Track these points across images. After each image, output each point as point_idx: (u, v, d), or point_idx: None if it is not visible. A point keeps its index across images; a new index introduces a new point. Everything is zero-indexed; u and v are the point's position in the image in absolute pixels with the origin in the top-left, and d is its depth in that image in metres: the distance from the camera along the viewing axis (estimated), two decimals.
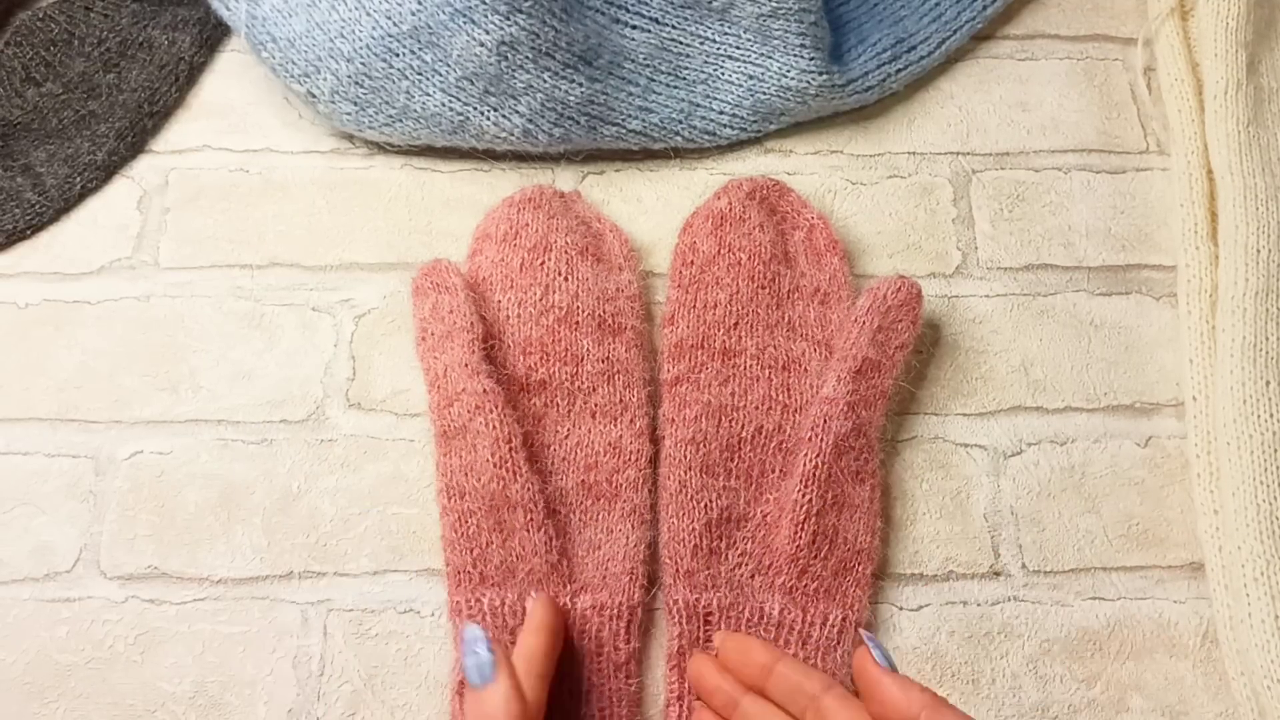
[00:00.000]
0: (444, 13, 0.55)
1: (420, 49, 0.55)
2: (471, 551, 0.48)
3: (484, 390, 0.48)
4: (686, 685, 0.46)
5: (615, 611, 0.47)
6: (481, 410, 0.48)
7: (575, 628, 0.47)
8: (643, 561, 0.48)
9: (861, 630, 0.44)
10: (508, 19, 0.54)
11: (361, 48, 0.56)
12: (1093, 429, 0.54)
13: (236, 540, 0.50)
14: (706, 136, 0.60)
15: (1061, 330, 0.56)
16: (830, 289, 0.54)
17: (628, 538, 0.48)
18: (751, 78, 0.59)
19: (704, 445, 0.50)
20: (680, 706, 0.46)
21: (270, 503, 0.51)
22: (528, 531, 0.47)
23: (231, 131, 0.61)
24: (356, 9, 0.56)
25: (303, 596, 0.49)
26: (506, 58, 0.55)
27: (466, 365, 0.49)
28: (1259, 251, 0.54)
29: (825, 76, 0.59)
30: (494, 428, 0.48)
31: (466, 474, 0.48)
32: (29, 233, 0.57)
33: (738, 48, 0.60)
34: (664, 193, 0.59)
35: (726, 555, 0.48)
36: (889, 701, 0.39)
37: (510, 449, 0.47)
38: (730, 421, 0.51)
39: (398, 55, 0.56)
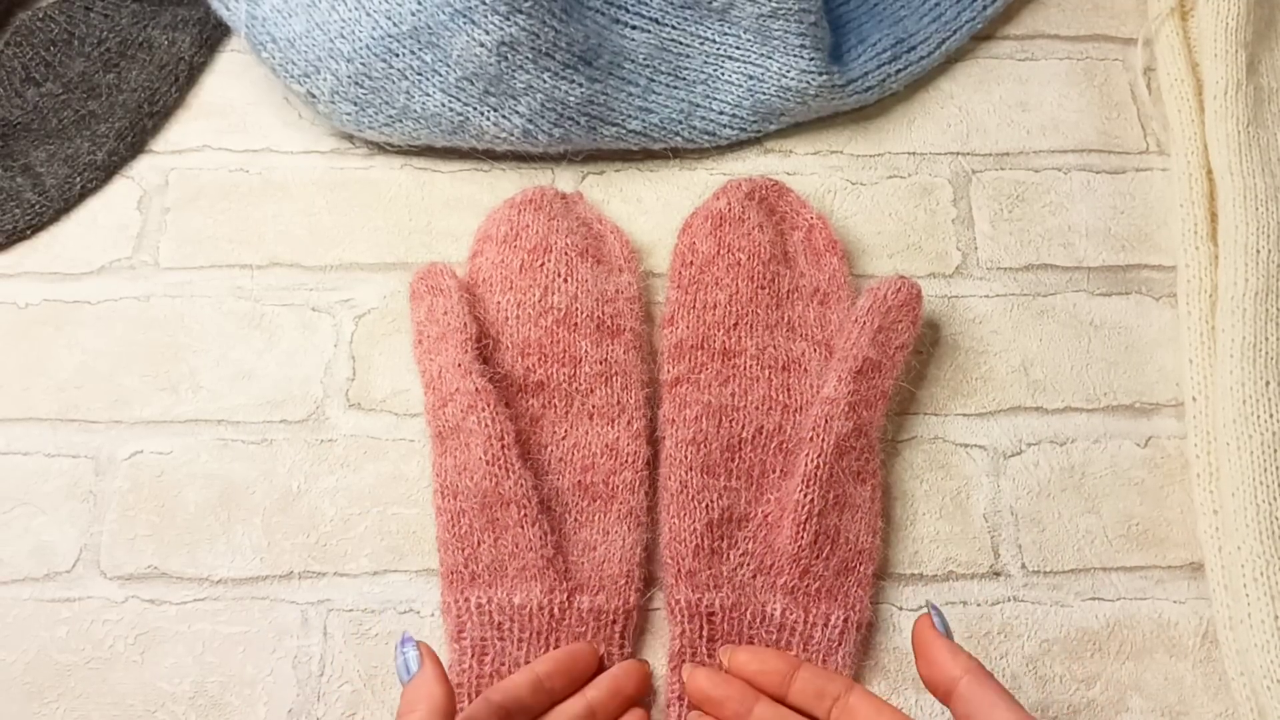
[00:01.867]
0: (444, 13, 0.55)
1: (420, 49, 0.55)
2: (463, 551, 0.48)
3: (476, 389, 0.48)
4: (685, 689, 0.46)
5: (612, 616, 0.47)
6: (474, 409, 0.48)
7: (571, 630, 0.47)
8: (639, 564, 0.48)
9: (930, 601, 0.45)
10: (508, 19, 0.54)
11: (361, 48, 0.56)
12: (1093, 429, 0.54)
13: (236, 540, 0.50)
14: (706, 137, 0.60)
15: (1061, 330, 0.56)
16: (830, 289, 0.54)
17: (624, 540, 0.48)
18: (751, 78, 0.59)
19: (705, 445, 0.50)
20: (680, 706, 0.46)
21: (270, 503, 0.51)
22: (521, 528, 0.47)
23: (231, 131, 0.61)
24: (356, 9, 0.56)
25: (303, 596, 0.49)
26: (506, 58, 0.55)
27: (460, 365, 0.49)
28: (1259, 252, 0.54)
29: (825, 77, 0.59)
30: (486, 425, 0.48)
31: (460, 473, 0.48)
32: (29, 233, 0.57)
33: (738, 48, 0.60)
34: (664, 193, 0.59)
35: (728, 555, 0.48)
36: (937, 661, 0.40)
37: (502, 446, 0.48)
38: (731, 422, 0.51)
39: (398, 55, 0.56)
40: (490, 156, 0.59)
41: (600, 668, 0.46)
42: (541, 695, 0.43)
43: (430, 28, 0.55)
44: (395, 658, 0.39)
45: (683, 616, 0.47)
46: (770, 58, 0.59)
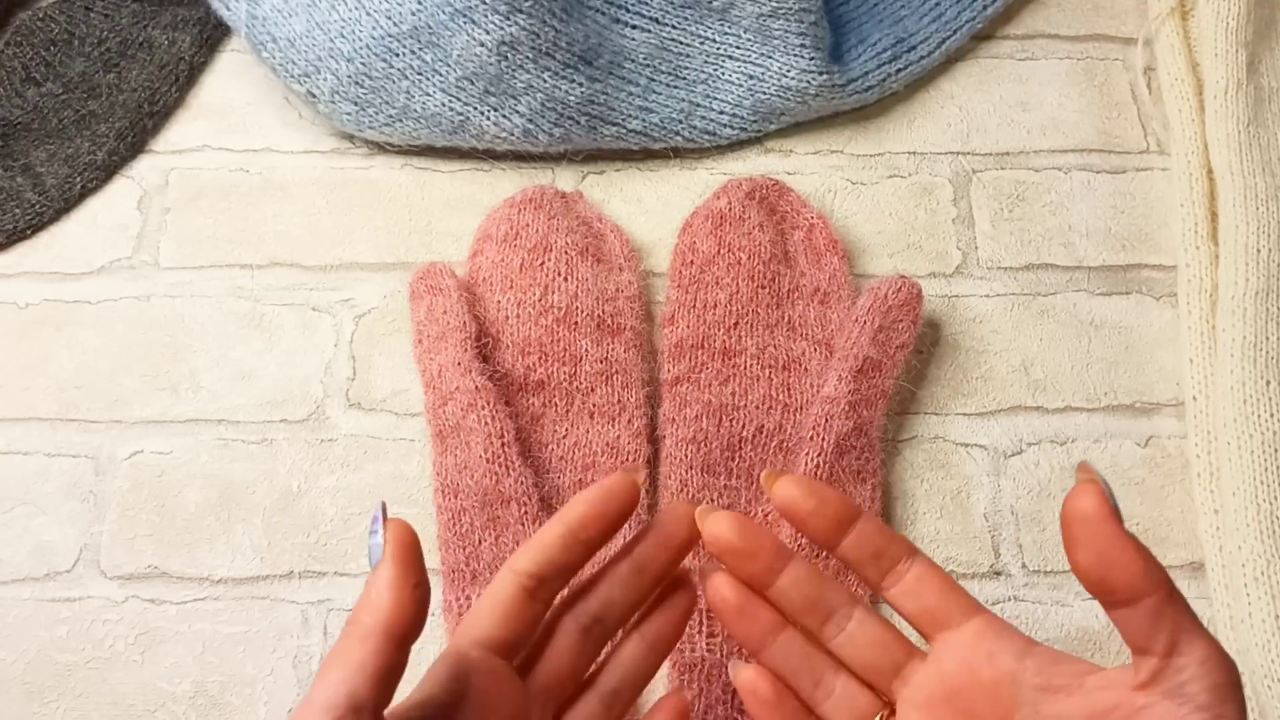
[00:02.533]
0: (444, 13, 0.55)
1: (420, 49, 0.55)
2: (464, 549, 0.48)
3: (476, 388, 0.48)
4: (686, 682, 0.46)
5: None
6: (474, 408, 0.48)
7: None
8: None
9: (1087, 463, 0.33)
10: (508, 19, 0.54)
11: (361, 48, 0.56)
12: (1093, 429, 0.54)
13: (236, 540, 0.50)
14: (706, 136, 0.60)
15: (1061, 330, 0.56)
16: (830, 288, 0.54)
17: (625, 538, 0.48)
18: (751, 78, 0.59)
19: (705, 445, 0.50)
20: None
21: (270, 503, 0.51)
22: (521, 525, 0.47)
23: (231, 131, 0.61)
24: (356, 9, 0.56)
25: (303, 596, 0.49)
26: (506, 58, 0.55)
27: (459, 364, 0.49)
28: (1259, 251, 0.54)
29: (825, 76, 0.59)
30: (486, 424, 0.48)
31: (460, 471, 0.48)
32: (29, 233, 0.57)
33: (738, 47, 0.60)
34: (664, 193, 0.59)
35: None
36: (1121, 565, 0.30)
37: (503, 444, 0.48)
38: (731, 421, 0.51)
39: (398, 55, 0.56)
40: (490, 156, 0.59)
41: (637, 499, 0.36)
42: (578, 549, 0.35)
43: (430, 27, 0.55)
44: (368, 538, 0.33)
45: None
46: (770, 57, 0.59)
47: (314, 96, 0.57)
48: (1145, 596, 0.30)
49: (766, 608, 0.37)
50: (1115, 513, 0.30)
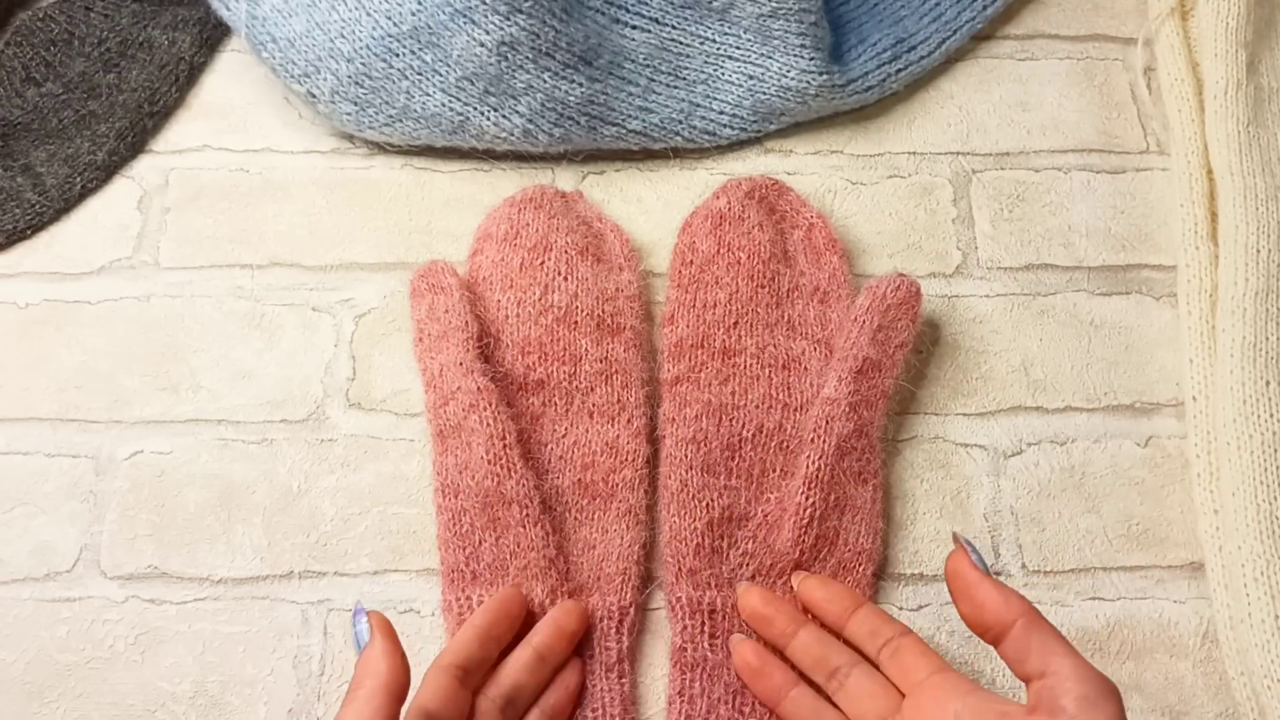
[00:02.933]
0: (444, 13, 0.55)
1: (420, 49, 0.55)
2: (464, 549, 0.48)
3: (478, 388, 0.48)
4: (688, 682, 0.46)
5: (608, 612, 0.47)
6: (475, 408, 0.48)
7: None
8: (637, 562, 0.48)
9: (957, 533, 0.42)
10: (508, 19, 0.54)
11: (361, 48, 0.56)
12: (1093, 429, 0.54)
13: (236, 540, 0.50)
14: (706, 136, 0.60)
15: (1061, 330, 0.56)
16: (830, 288, 0.54)
17: (623, 538, 0.48)
18: (751, 78, 0.60)
19: (705, 444, 0.50)
20: (682, 702, 0.46)
21: (270, 503, 0.51)
22: (523, 527, 0.47)
23: (231, 131, 0.61)
24: (356, 9, 0.56)
25: (303, 596, 0.49)
26: (506, 58, 0.55)
27: (461, 364, 0.49)
28: (1259, 251, 0.54)
29: (825, 76, 0.59)
30: (488, 425, 0.48)
31: (461, 472, 0.48)
32: (29, 233, 0.57)
33: (738, 48, 0.60)
34: (664, 193, 0.59)
35: (728, 555, 0.48)
36: (987, 605, 0.38)
37: (504, 445, 0.48)
38: (731, 420, 0.51)
39: (398, 55, 0.56)
40: (490, 156, 0.59)
41: (526, 607, 0.46)
42: (490, 644, 0.44)
43: (430, 27, 0.55)
44: (352, 627, 0.40)
45: (684, 613, 0.47)
46: (770, 58, 0.59)
47: (314, 96, 0.57)
48: (1010, 625, 0.37)
49: (781, 670, 0.45)
50: (978, 566, 0.39)
